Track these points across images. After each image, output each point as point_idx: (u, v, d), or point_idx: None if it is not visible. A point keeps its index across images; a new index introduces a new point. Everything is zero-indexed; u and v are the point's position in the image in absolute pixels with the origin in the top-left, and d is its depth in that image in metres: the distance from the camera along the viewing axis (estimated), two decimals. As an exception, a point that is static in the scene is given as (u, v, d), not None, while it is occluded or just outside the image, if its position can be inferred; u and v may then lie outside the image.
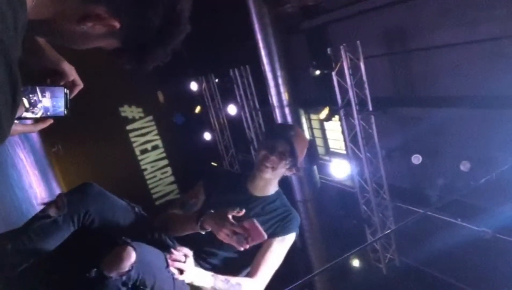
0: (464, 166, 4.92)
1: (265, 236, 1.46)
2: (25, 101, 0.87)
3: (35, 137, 6.61)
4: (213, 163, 10.58)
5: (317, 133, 7.96)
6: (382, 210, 6.31)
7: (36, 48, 0.96)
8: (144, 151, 10.08)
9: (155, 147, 10.19)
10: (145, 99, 9.81)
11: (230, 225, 1.48)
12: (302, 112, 7.11)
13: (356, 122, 5.86)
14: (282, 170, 1.84)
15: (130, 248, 1.38)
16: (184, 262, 1.55)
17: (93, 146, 8.74)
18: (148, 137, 10.07)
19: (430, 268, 6.28)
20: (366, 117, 5.84)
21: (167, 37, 0.79)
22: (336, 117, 6.44)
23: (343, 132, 6.54)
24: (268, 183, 1.89)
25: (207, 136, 10.27)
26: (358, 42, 5.44)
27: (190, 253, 1.60)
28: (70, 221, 1.53)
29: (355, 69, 5.65)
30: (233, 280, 1.68)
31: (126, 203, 1.69)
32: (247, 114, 8.48)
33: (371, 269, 6.75)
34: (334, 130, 7.47)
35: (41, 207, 1.57)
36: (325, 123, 7.41)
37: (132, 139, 9.90)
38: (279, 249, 1.78)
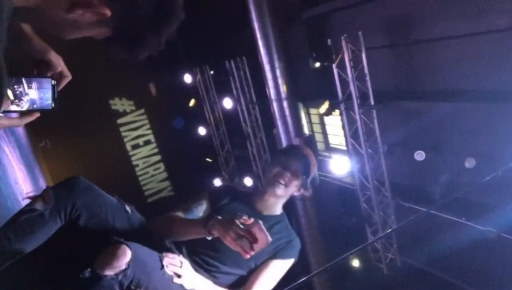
0: (469, 163, 4.94)
1: (270, 239, 1.51)
2: (10, 93, 0.86)
3: (21, 131, 6.58)
4: (207, 159, 10.58)
5: (317, 128, 7.96)
6: (383, 208, 6.34)
7: (22, 37, 0.95)
8: (135, 146, 10.07)
9: (147, 142, 10.18)
10: (136, 91, 9.78)
11: (237, 228, 1.50)
12: (301, 106, 7.11)
13: (357, 116, 5.87)
14: (293, 189, 1.95)
15: (125, 246, 1.39)
16: (180, 267, 1.58)
17: (82, 141, 8.72)
18: (139, 132, 10.05)
19: (433, 268, 6.32)
20: (367, 112, 5.85)
21: (160, 25, 0.79)
22: (337, 112, 6.45)
23: (343, 127, 6.55)
24: (277, 202, 1.98)
25: (202, 130, 10.26)
26: (359, 33, 5.44)
27: (185, 261, 1.64)
28: (57, 216, 1.53)
29: (356, 61, 5.65)
30: None
31: (117, 200, 1.69)
32: (244, 108, 8.47)
33: (371, 269, 6.79)
34: (334, 125, 7.47)
35: (27, 201, 1.56)
36: (325, 118, 7.42)
37: (123, 134, 9.87)
38: (276, 270, 1.86)
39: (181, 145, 9.87)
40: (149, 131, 10.16)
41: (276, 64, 6.62)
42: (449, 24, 4.91)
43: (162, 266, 1.52)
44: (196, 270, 1.71)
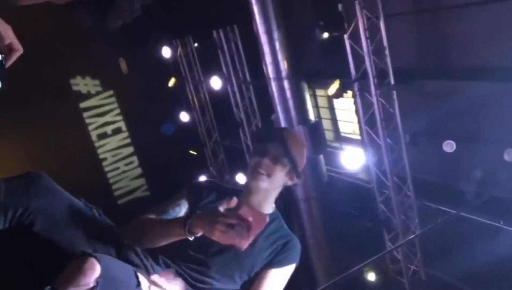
0: (509, 155, 4.98)
1: (267, 219, 1.54)
2: None
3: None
4: (191, 151, 10.57)
5: (325, 113, 7.97)
6: (404, 210, 6.38)
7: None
8: (102, 136, 10.03)
9: (116, 131, 10.15)
10: (103, 69, 9.70)
11: (223, 218, 1.51)
12: (305, 86, 7.09)
13: (374, 99, 5.89)
14: (280, 175, 1.94)
15: (93, 260, 1.39)
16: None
17: (37, 128, 8.67)
18: (107, 118, 10.02)
19: (464, 283, 6.38)
20: (386, 93, 5.86)
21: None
22: (349, 93, 6.45)
23: (357, 112, 6.56)
24: (266, 197, 1.97)
25: (184, 116, 10.24)
26: (377, -4, 5.44)
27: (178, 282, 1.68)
28: (2, 214, 1.50)
29: (373, 31, 5.65)
30: None
31: (83, 204, 1.69)
32: (235, 89, 8.46)
33: (390, 283, 6.85)
34: (346, 110, 7.49)
35: None
36: (335, 101, 7.42)
37: (87, 120, 9.83)
38: (275, 281, 1.88)
39: (159, 134, 9.86)
40: (119, 118, 10.12)
41: (275, 35, 6.58)
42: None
43: (139, 283, 1.52)
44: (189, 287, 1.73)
